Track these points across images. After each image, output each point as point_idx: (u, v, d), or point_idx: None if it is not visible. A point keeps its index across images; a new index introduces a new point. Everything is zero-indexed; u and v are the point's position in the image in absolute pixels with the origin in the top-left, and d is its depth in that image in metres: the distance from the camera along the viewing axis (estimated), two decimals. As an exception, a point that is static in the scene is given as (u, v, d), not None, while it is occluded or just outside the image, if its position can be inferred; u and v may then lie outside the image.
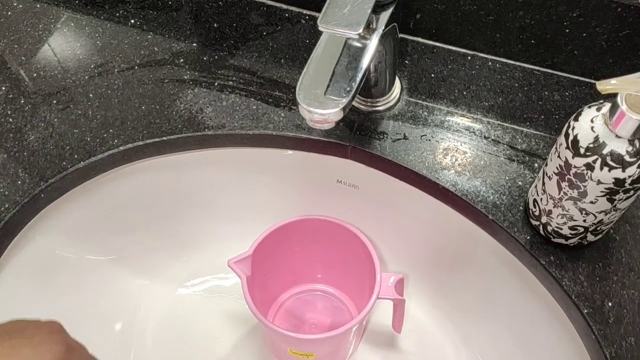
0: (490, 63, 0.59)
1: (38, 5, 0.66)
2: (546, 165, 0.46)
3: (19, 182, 0.54)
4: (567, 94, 0.57)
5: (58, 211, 0.57)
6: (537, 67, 0.59)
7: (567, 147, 0.41)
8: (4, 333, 0.37)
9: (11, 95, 0.60)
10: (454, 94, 0.58)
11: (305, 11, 0.64)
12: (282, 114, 0.57)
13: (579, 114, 0.41)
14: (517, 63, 0.59)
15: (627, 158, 0.38)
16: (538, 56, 0.58)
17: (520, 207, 0.51)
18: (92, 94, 0.59)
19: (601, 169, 0.39)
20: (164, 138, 0.56)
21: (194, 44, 0.63)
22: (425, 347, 0.65)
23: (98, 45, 0.63)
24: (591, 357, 0.47)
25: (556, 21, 0.53)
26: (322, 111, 0.44)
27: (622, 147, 0.38)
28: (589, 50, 0.55)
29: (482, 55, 0.60)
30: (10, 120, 0.58)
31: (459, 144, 0.55)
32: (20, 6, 0.66)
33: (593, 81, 0.57)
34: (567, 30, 0.54)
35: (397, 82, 0.58)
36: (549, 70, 0.58)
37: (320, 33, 0.46)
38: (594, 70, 0.57)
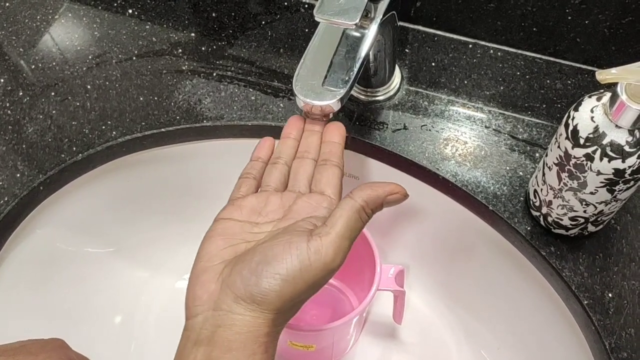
0: (491, 51, 0.59)
1: (36, -4, 0.66)
2: (546, 155, 0.45)
3: (18, 175, 0.54)
4: (569, 82, 0.56)
5: (57, 204, 0.57)
6: (539, 55, 0.58)
7: (567, 138, 0.41)
8: (9, 350, 0.39)
9: (9, 87, 0.59)
10: (454, 83, 0.57)
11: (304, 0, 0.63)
12: (281, 105, 0.57)
13: (579, 103, 0.41)
14: (519, 51, 0.58)
15: (627, 148, 0.38)
16: (540, 44, 0.57)
17: (521, 198, 0.51)
18: (90, 86, 0.59)
19: (601, 159, 0.39)
20: (163, 130, 0.56)
21: (192, 34, 0.62)
22: (426, 337, 0.65)
23: (96, 35, 0.63)
24: (591, 347, 0.47)
25: (558, 8, 0.52)
26: (319, 102, 0.44)
27: (622, 138, 0.38)
28: (592, 38, 0.54)
29: (483, 43, 0.59)
30: (9, 112, 0.58)
31: (459, 134, 0.54)
32: (18, -3, 0.66)
33: (596, 69, 0.56)
34: (569, 18, 0.53)
35: (397, 71, 0.57)
36: (551, 58, 0.58)
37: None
38: (596, 58, 0.56)
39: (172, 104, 0.57)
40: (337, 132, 0.45)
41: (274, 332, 0.35)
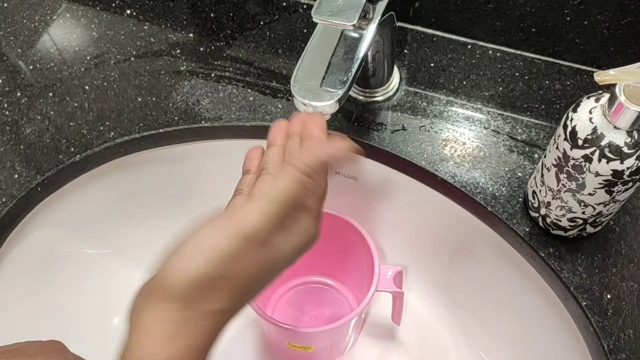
0: (490, 52, 0.59)
1: (34, -4, 0.66)
2: (545, 156, 0.45)
3: (16, 176, 0.54)
4: (568, 82, 0.56)
5: (55, 205, 0.57)
6: (538, 56, 0.58)
7: (566, 139, 0.40)
8: (7, 352, 0.39)
9: (7, 88, 0.59)
10: (453, 83, 0.57)
11: (302, 0, 0.63)
12: (280, 105, 0.57)
13: (578, 105, 0.41)
14: (518, 52, 0.58)
15: (625, 150, 0.38)
16: (539, 44, 0.57)
17: (520, 199, 0.51)
18: (88, 86, 0.59)
19: (599, 160, 0.39)
20: (161, 130, 0.56)
21: (191, 35, 0.62)
22: (424, 338, 0.65)
23: (94, 36, 0.62)
24: (589, 349, 0.47)
25: (557, 9, 0.52)
26: (317, 104, 0.44)
27: (620, 139, 0.38)
28: (591, 39, 0.54)
29: (482, 44, 0.59)
30: (7, 113, 0.58)
31: (458, 135, 0.54)
32: (17, -3, 0.66)
33: (595, 70, 0.56)
34: (568, 18, 0.53)
35: (396, 71, 0.57)
36: (550, 59, 0.57)
37: (317, 22, 0.45)
38: (595, 59, 0.56)
39: (171, 104, 0.57)
40: (315, 126, 0.42)
41: (186, 334, 0.32)
